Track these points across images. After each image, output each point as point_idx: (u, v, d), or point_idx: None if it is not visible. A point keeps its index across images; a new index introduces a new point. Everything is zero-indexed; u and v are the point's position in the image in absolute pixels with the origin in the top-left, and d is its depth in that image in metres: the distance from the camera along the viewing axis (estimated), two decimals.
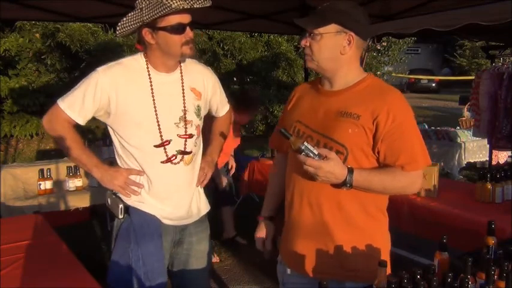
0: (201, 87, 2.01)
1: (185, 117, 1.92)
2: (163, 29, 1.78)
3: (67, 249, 2.06)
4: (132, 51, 9.81)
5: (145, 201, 1.92)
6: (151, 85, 1.87)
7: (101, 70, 1.85)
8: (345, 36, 1.58)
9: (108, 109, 1.85)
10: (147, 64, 1.89)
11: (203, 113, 2.02)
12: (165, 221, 1.94)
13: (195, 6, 1.73)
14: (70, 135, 1.88)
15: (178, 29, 1.78)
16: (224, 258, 4.17)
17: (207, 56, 10.07)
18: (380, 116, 1.54)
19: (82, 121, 1.87)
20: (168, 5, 1.69)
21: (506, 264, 1.31)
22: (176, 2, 1.70)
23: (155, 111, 1.86)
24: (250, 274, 3.82)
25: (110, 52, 8.62)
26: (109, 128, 1.94)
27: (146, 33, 1.81)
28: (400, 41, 14.18)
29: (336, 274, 1.62)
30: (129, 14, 1.81)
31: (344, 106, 1.60)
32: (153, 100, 1.86)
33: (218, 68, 10.13)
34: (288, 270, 1.75)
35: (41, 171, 3.58)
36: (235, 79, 10.88)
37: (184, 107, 1.92)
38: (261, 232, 1.89)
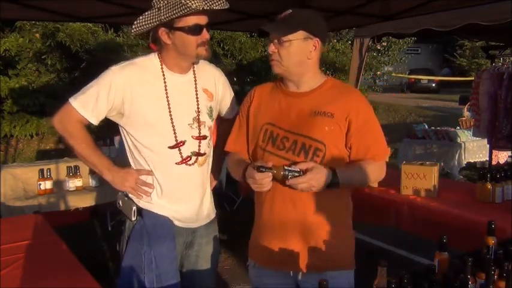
0: (213, 88, 2.00)
1: (198, 118, 1.91)
2: (181, 29, 1.77)
3: (67, 249, 2.06)
4: (132, 51, 9.81)
5: (157, 203, 1.90)
6: (165, 86, 1.85)
7: (115, 69, 1.82)
8: (311, 42, 1.68)
9: (121, 109, 1.83)
10: (161, 64, 1.87)
11: (215, 114, 2.01)
12: (177, 223, 1.93)
13: (213, 7, 1.73)
14: (82, 135, 1.85)
15: (196, 29, 1.78)
16: (224, 258, 4.17)
17: None
18: (351, 114, 1.67)
19: (95, 121, 1.84)
20: (188, 5, 1.68)
21: (506, 264, 1.31)
22: (196, 3, 1.70)
23: (169, 112, 1.84)
24: None
25: (110, 52, 8.62)
26: (120, 129, 1.92)
27: (163, 33, 1.80)
28: (400, 41, 14.19)
29: (319, 266, 1.69)
30: (146, 13, 1.81)
31: (317, 105, 1.69)
32: (168, 101, 1.84)
33: None
34: (270, 269, 1.78)
35: (41, 171, 3.58)
36: (235, 79, 10.87)
37: (198, 108, 1.91)
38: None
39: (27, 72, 8.42)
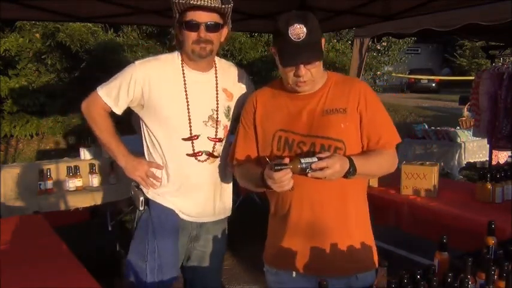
0: (233, 89, 2.03)
1: (213, 117, 1.95)
2: (182, 24, 1.84)
3: (67, 249, 2.06)
4: (132, 51, 9.82)
5: (165, 195, 1.96)
6: (184, 82, 1.92)
7: (137, 63, 1.93)
8: (323, 44, 1.66)
9: (141, 101, 1.93)
10: (182, 62, 1.94)
11: (231, 114, 2.03)
12: (183, 216, 1.98)
13: (196, 3, 1.75)
14: (104, 121, 1.98)
15: (191, 26, 1.82)
16: (224, 259, 4.17)
17: None
18: (360, 105, 1.65)
19: (118, 110, 1.96)
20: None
21: (506, 264, 1.31)
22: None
23: (188, 106, 1.90)
24: (250, 274, 3.82)
25: (110, 52, 8.62)
26: (140, 121, 2.01)
27: (176, 29, 1.89)
28: (400, 41, 14.18)
29: (348, 270, 1.68)
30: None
31: (327, 103, 1.66)
32: (186, 96, 1.91)
33: None
34: (294, 274, 1.72)
35: (41, 171, 3.58)
36: None
37: (217, 107, 1.96)
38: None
39: (27, 72, 8.42)
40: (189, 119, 1.90)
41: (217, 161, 1.99)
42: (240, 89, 2.07)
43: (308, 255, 1.67)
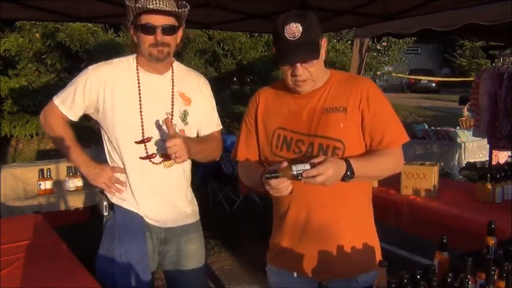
0: (192, 95, 2.00)
1: (170, 120, 1.90)
2: (136, 27, 1.82)
3: (67, 249, 2.06)
4: (132, 51, 9.81)
5: (127, 199, 1.94)
6: (139, 84, 1.90)
7: (91, 68, 1.93)
8: (322, 44, 1.62)
9: (97, 106, 1.91)
10: (137, 64, 1.93)
11: (190, 119, 1.98)
12: (148, 220, 1.95)
13: (149, 7, 1.73)
14: (62, 131, 1.96)
15: (147, 29, 1.80)
16: (224, 258, 4.17)
17: (207, 56, 10.07)
18: (362, 103, 1.61)
19: (74, 117, 1.94)
20: (132, 3, 1.75)
21: (506, 264, 1.31)
22: (141, 2, 1.73)
23: (140, 108, 1.88)
24: (250, 274, 3.82)
25: (110, 52, 8.61)
26: (100, 126, 1.98)
27: (131, 31, 1.87)
28: (400, 41, 14.21)
29: (350, 272, 1.66)
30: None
31: (327, 102, 1.63)
32: (140, 98, 1.89)
33: (218, 68, 10.13)
34: (295, 274, 1.72)
35: (41, 171, 3.58)
36: (235, 79, 10.88)
37: (172, 109, 1.93)
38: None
39: (27, 72, 8.41)
40: (142, 121, 1.88)
41: (175, 164, 1.93)
42: (201, 96, 2.03)
43: (306, 257, 1.66)
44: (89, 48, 8.59)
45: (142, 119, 1.88)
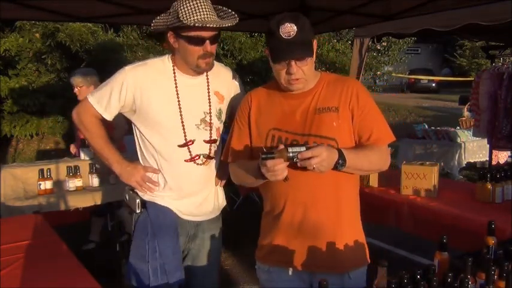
0: (225, 92, 2.04)
1: (206, 120, 1.96)
2: (184, 37, 1.81)
3: (67, 249, 2.06)
4: (132, 51, 9.81)
5: (161, 196, 1.97)
6: (176, 86, 1.91)
7: (127, 69, 1.92)
8: (314, 44, 1.68)
9: (133, 107, 1.92)
10: (173, 66, 1.93)
11: (223, 116, 2.05)
12: (181, 215, 1.98)
13: (207, 25, 1.75)
14: (95, 129, 1.97)
15: (197, 41, 1.81)
16: (224, 258, 4.17)
17: None
18: (352, 101, 1.67)
19: (109, 117, 1.95)
20: (185, 21, 1.73)
21: (506, 264, 1.31)
22: (193, 19, 1.73)
23: (180, 111, 1.90)
24: (250, 274, 3.82)
25: (110, 52, 8.61)
26: (133, 125, 2.00)
27: (170, 37, 1.87)
28: (400, 41, 14.21)
29: (340, 267, 1.70)
30: (163, 14, 1.86)
31: (319, 102, 1.68)
32: (178, 101, 1.90)
33: None
34: (290, 270, 1.74)
35: (41, 171, 3.57)
36: None
37: (210, 110, 1.96)
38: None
39: (27, 72, 8.41)
40: (183, 124, 1.90)
41: (212, 161, 2.00)
42: (231, 91, 2.08)
43: (301, 253, 1.69)
44: (89, 48, 8.59)
45: (183, 121, 1.90)
